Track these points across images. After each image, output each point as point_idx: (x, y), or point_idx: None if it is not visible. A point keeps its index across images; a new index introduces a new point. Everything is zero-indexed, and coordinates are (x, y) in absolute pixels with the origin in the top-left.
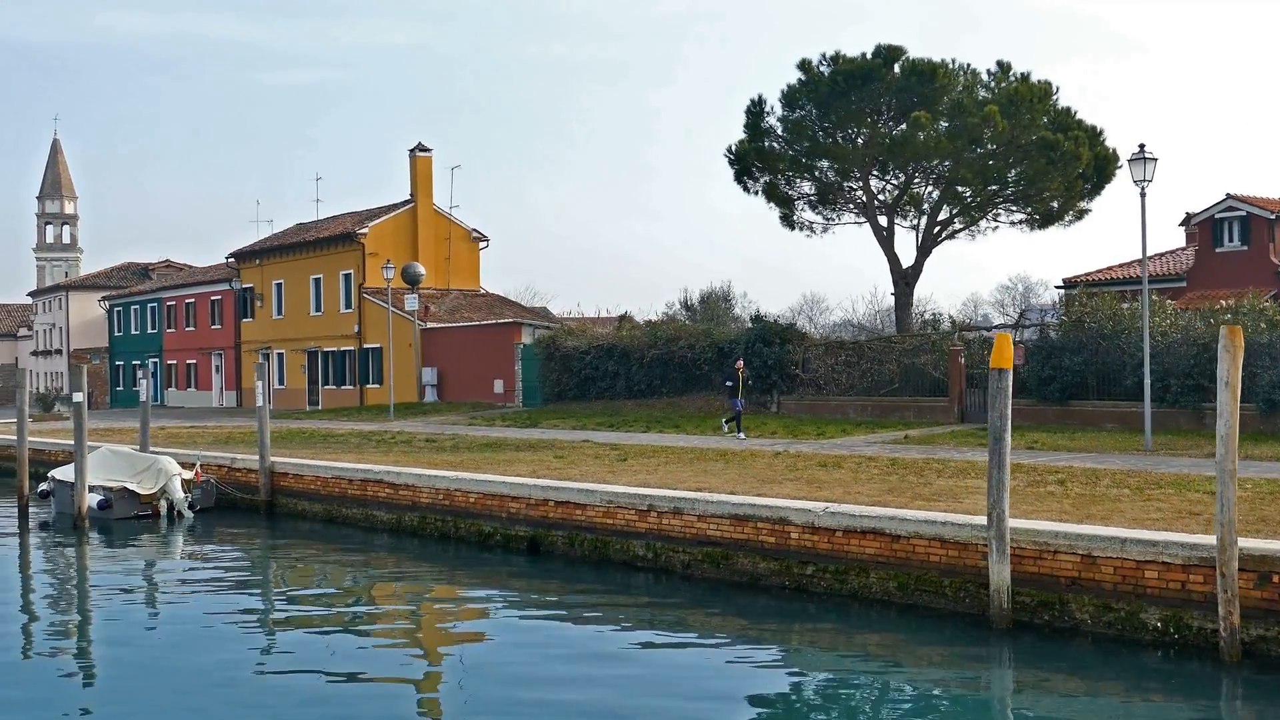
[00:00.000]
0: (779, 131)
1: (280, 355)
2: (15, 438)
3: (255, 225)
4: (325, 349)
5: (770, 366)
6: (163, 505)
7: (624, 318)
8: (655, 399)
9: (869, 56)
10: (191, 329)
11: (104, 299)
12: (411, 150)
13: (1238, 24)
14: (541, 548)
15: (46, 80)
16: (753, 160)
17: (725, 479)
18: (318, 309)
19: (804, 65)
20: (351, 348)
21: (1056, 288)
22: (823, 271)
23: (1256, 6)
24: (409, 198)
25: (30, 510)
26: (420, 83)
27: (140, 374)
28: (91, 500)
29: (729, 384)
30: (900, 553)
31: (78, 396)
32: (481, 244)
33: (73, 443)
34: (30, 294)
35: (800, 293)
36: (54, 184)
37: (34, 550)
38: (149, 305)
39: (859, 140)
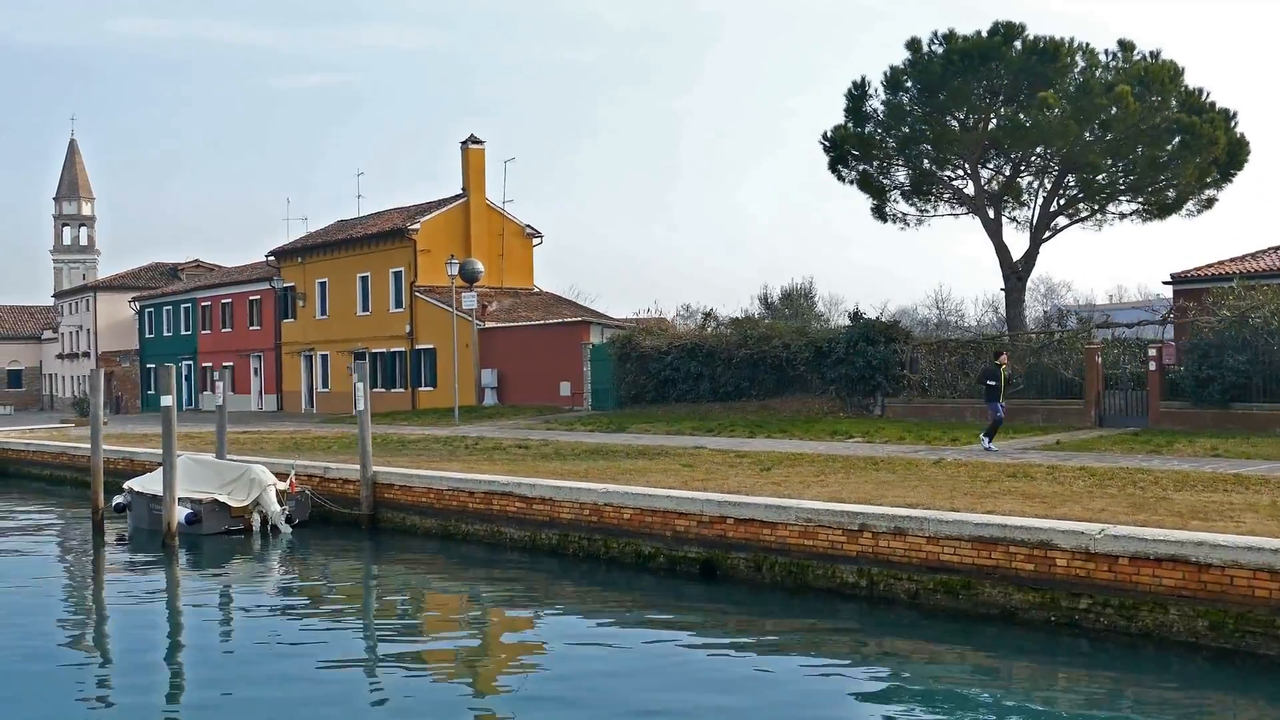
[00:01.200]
0: (880, 116)
1: (324, 357)
2: (89, 446)
3: (286, 223)
4: (374, 350)
5: (875, 367)
6: (255, 519)
7: (708, 315)
8: (744, 401)
9: (985, 35)
10: (228, 330)
11: (134, 300)
12: (463, 142)
13: None
14: (719, 572)
15: (62, 83)
16: (851, 146)
17: (920, 492)
18: (365, 308)
19: (912, 45)
20: (402, 349)
21: (1164, 283)
22: (889, 268)
23: None
24: (461, 191)
25: (105, 525)
26: (436, 84)
27: (216, 375)
28: (178, 514)
29: (989, 384)
30: (1212, 585)
31: (166, 400)
32: (535, 240)
33: (138, 450)
34: (55, 295)
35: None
36: (71, 185)
37: (115, 571)
38: (182, 306)
39: (969, 124)
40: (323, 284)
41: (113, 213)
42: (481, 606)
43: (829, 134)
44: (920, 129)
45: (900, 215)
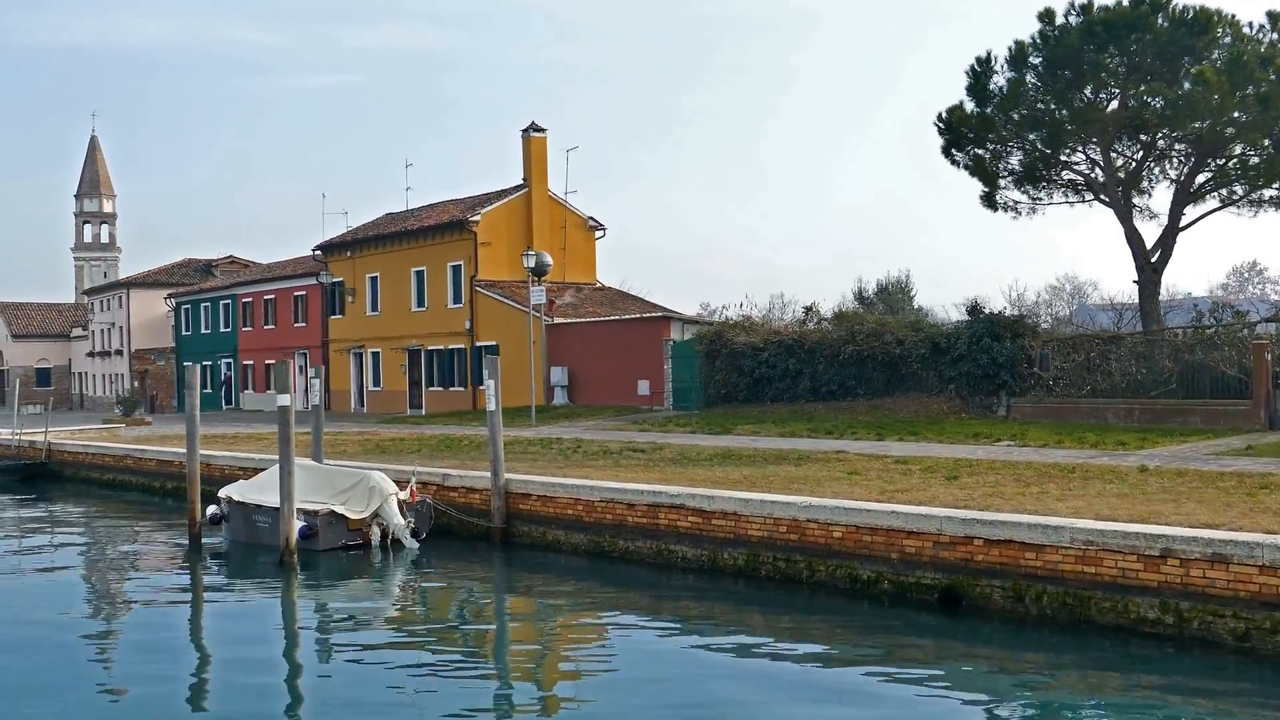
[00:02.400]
0: (1001, 95)
1: (375, 355)
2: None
3: (323, 218)
4: (430, 347)
5: (1000, 364)
6: (374, 533)
7: (809, 310)
8: (850, 401)
9: (1128, 4)
10: (271, 327)
11: (169, 296)
12: (524, 131)
13: None
14: (964, 601)
15: (83, 82)
16: (968, 128)
17: (1201, 509)
18: (420, 304)
19: (1045, 16)
20: (462, 346)
21: None
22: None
23: None
24: (522, 182)
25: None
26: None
27: (311, 371)
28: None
29: None
30: None
31: (284, 399)
32: (598, 233)
33: (216, 453)
34: (86, 292)
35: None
36: (92, 182)
37: (224, 594)
38: (221, 302)
39: (1102, 102)
40: (373, 279)
41: (134, 211)
42: (654, 637)
43: (944, 115)
44: (1046, 108)
45: (1012, 203)
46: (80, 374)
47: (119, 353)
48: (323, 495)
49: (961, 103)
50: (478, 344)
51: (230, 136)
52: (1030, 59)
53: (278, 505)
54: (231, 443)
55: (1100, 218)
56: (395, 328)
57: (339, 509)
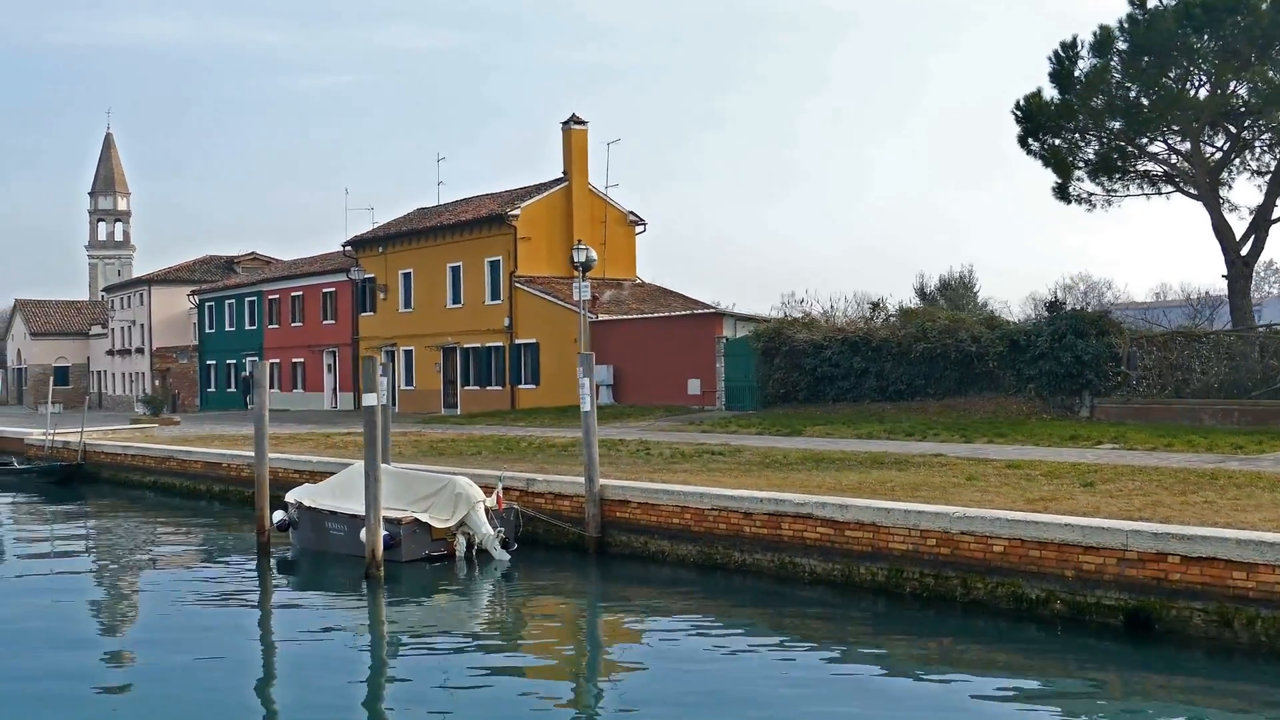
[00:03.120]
0: (1083, 82)
1: (408, 353)
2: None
3: (346, 214)
4: (466, 345)
5: (1084, 363)
6: (460, 543)
7: (876, 306)
8: (920, 401)
9: None
10: (298, 324)
11: (192, 293)
12: (565, 123)
13: None
14: (1156, 626)
15: (97, 81)
16: (1047, 117)
17: None
18: (456, 300)
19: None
20: (500, 343)
21: None
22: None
23: None
24: (561, 175)
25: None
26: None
27: (381, 367)
28: (368, 535)
29: None
30: None
31: (370, 399)
32: (639, 228)
33: (272, 455)
34: (106, 289)
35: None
36: (107, 180)
37: (296, 609)
38: (246, 299)
39: (1194, 89)
40: (407, 275)
41: (148, 210)
42: (777, 659)
43: (1022, 103)
44: (1129, 95)
45: (1086, 195)
46: (99, 372)
47: (140, 351)
48: (403, 502)
49: (1040, 90)
50: (516, 342)
51: (246, 135)
52: (1116, 44)
53: (355, 512)
54: (274, 444)
55: (1128, 216)
56: (429, 325)
57: (423, 517)
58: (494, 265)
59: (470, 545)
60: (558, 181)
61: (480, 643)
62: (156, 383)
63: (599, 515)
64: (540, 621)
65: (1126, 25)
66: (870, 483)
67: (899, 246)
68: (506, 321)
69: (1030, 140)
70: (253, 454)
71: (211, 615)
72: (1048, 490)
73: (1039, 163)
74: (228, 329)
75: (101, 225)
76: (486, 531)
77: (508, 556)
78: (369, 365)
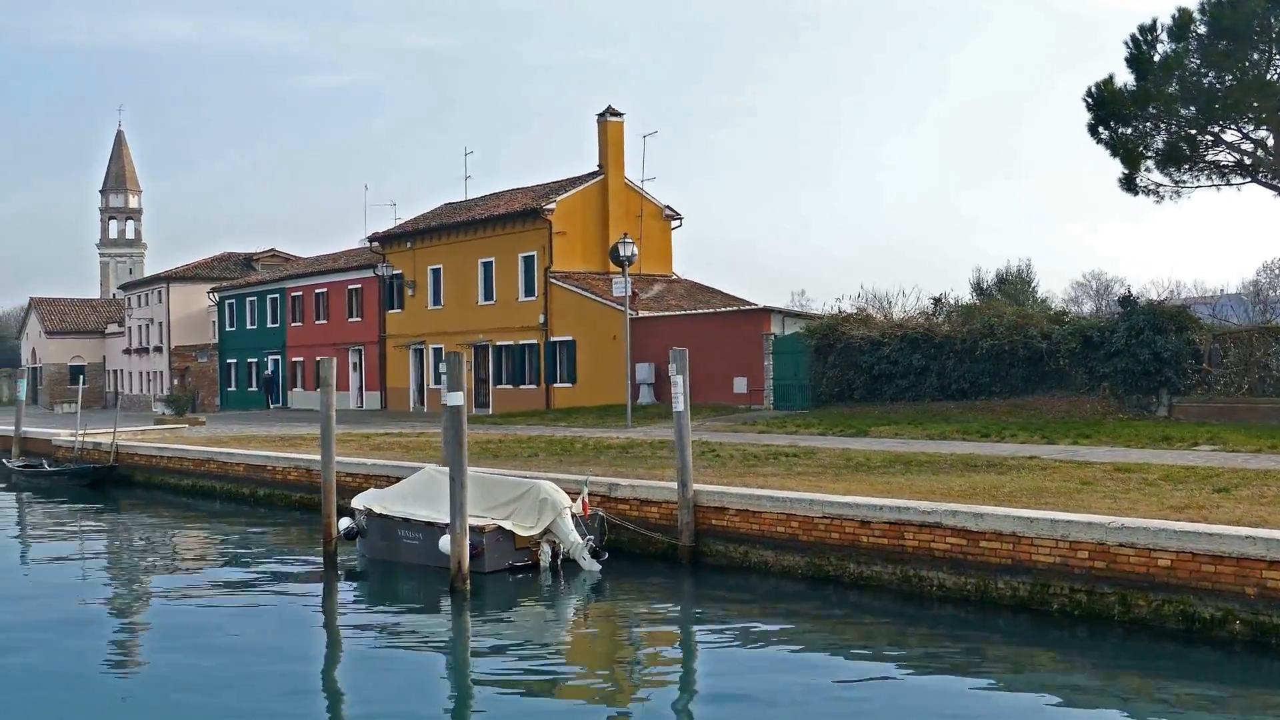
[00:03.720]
0: (1161, 66)
1: (437, 351)
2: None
3: (365, 211)
4: (499, 343)
5: (1163, 360)
6: (544, 552)
7: (938, 301)
8: (985, 400)
9: None
10: (322, 322)
11: (212, 290)
12: (600, 115)
13: None
14: None
15: (108, 80)
16: (1122, 103)
17: None
18: (488, 297)
19: None
20: (534, 341)
21: None
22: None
23: None
24: (597, 169)
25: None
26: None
27: (443, 366)
28: (447, 545)
29: None
30: None
31: (455, 398)
32: (674, 223)
33: (314, 457)
34: (122, 287)
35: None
36: (118, 177)
37: (372, 628)
38: (268, 296)
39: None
40: (436, 271)
41: (159, 209)
42: (906, 683)
43: (1094, 89)
44: (1205, 81)
45: (1154, 186)
46: (115, 371)
47: (158, 349)
48: (483, 508)
49: (1112, 76)
50: (552, 339)
51: (256, 134)
52: (1195, 27)
53: (431, 519)
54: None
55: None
56: (460, 322)
57: (506, 525)
58: (528, 260)
59: (555, 555)
60: (593, 175)
61: (576, 664)
62: (175, 382)
63: (693, 523)
64: (637, 639)
65: (1207, 8)
66: (980, 487)
67: (908, 244)
68: (541, 318)
69: (1100, 129)
70: (301, 456)
71: (282, 635)
72: (1180, 497)
73: (1106, 152)
74: (249, 327)
75: (113, 223)
76: (575, 540)
77: (598, 567)
78: (454, 361)
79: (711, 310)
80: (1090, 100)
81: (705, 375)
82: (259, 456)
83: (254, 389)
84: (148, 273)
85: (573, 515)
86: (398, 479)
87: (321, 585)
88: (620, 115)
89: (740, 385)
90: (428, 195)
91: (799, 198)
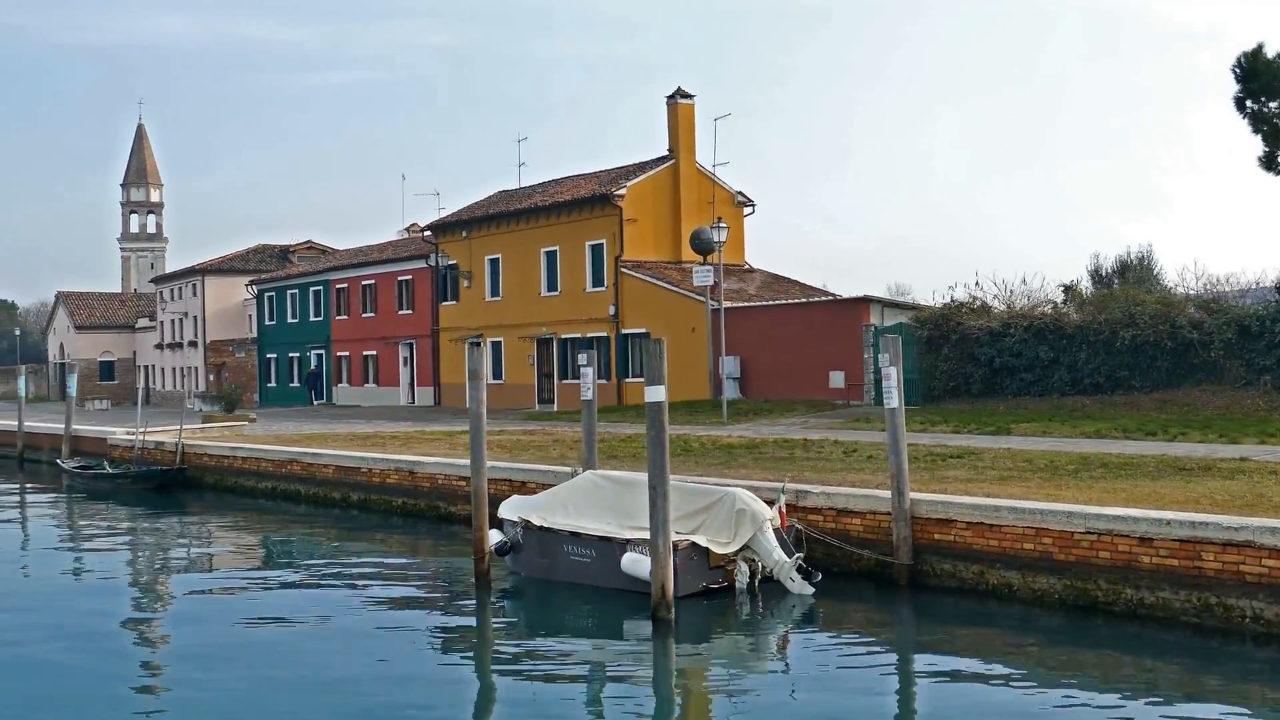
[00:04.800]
0: None
1: (496, 344)
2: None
3: (402, 202)
4: (564, 336)
5: None
6: (741, 571)
7: (1069, 289)
8: (1124, 395)
9: None
10: (370, 315)
11: (251, 283)
12: (669, 97)
13: None
14: None
15: (129, 76)
16: (1275, 75)
17: None
18: (552, 288)
19: None
20: (604, 333)
21: None
22: None
23: None
24: (667, 153)
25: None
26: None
27: (583, 359)
28: (632, 564)
29: None
30: None
31: (656, 393)
32: (746, 210)
33: (401, 456)
34: (154, 280)
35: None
36: (139, 171)
37: (562, 665)
38: (311, 288)
39: None
40: (494, 261)
41: (179, 206)
42: None
43: (1243, 59)
44: None
45: None
46: (147, 367)
47: (192, 344)
48: (636, 517)
49: (1261, 46)
50: (623, 331)
51: (280, 130)
52: None
53: (608, 534)
54: (398, 445)
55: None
56: (521, 314)
57: (701, 540)
58: (596, 249)
59: (753, 575)
60: (663, 159)
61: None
62: (211, 378)
63: (910, 537)
64: (871, 683)
65: None
66: (1228, 495)
67: (926, 237)
68: (611, 309)
69: (1247, 102)
70: (403, 457)
71: (447, 671)
72: None
73: (1249, 128)
74: (290, 320)
75: (134, 218)
76: (779, 558)
77: (811, 590)
78: (655, 351)
79: (803, 300)
80: (1238, 71)
81: (795, 369)
82: (352, 458)
83: (295, 384)
84: (170, 268)
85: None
86: (538, 486)
87: (474, 608)
88: (691, 97)
89: (836, 380)
90: (465, 186)
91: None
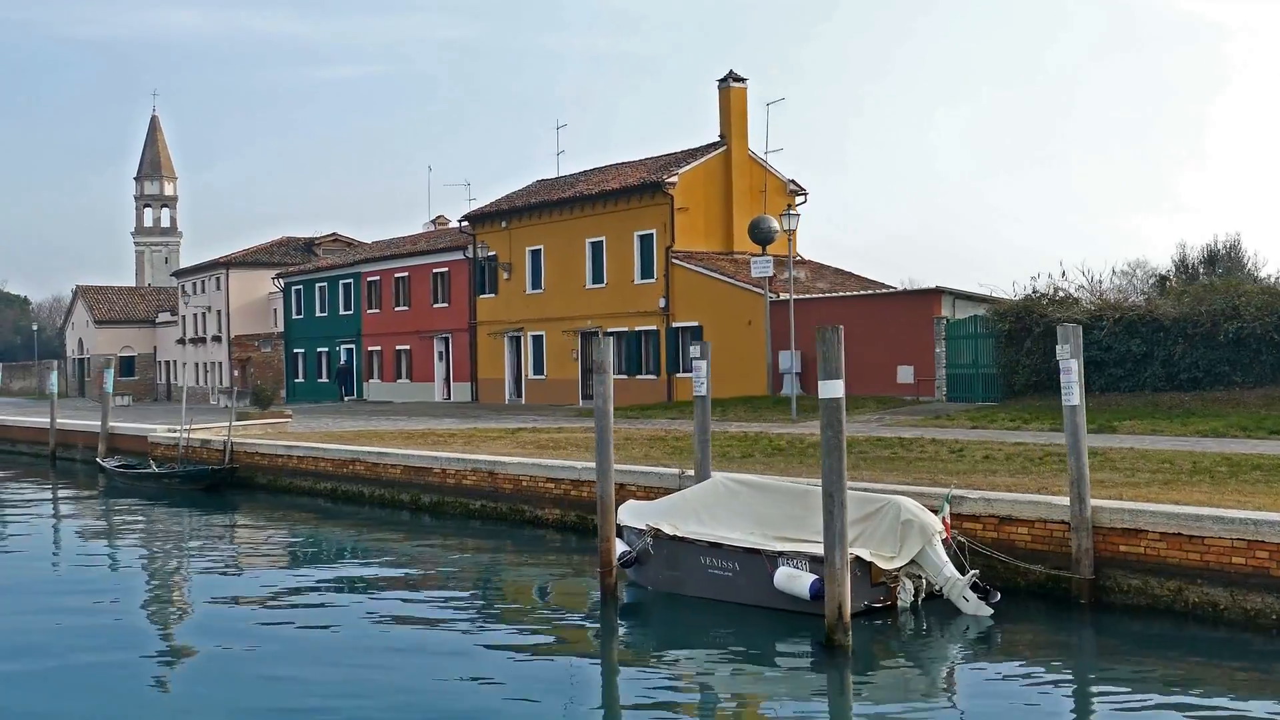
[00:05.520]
0: None
1: (537, 338)
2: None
3: (428, 193)
4: (610, 329)
5: None
6: (904, 589)
7: (1165, 280)
8: (1225, 390)
9: None
10: (403, 308)
11: (278, 276)
12: (721, 81)
13: None
14: None
15: (141, 68)
16: None
17: None
18: (597, 279)
19: None
20: (653, 327)
21: None
22: None
23: None
24: (718, 139)
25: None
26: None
27: (697, 350)
28: (788, 580)
29: None
30: None
31: (833, 388)
32: (799, 199)
33: (477, 455)
34: (175, 274)
35: None
36: (153, 164)
37: (730, 699)
38: (341, 281)
39: None
40: (535, 252)
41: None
42: None
43: None
44: None
45: None
46: (168, 362)
47: (216, 339)
48: (777, 526)
49: None
50: (674, 325)
51: (292, 125)
52: None
53: (756, 546)
54: (467, 441)
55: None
56: (564, 307)
57: (863, 553)
58: (645, 239)
59: (918, 592)
60: (713, 146)
61: None
62: (235, 373)
63: (1092, 549)
64: (1058, 712)
65: None
66: None
67: (930, 233)
68: (662, 302)
69: None
70: (481, 457)
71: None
72: None
73: None
74: (318, 314)
75: (148, 211)
76: (950, 574)
77: (989, 611)
78: (832, 340)
79: (870, 292)
80: None
81: (859, 364)
82: (423, 457)
83: (324, 380)
84: (184, 262)
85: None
86: (640, 489)
87: (601, 627)
88: (743, 81)
89: (905, 375)
90: (488, 179)
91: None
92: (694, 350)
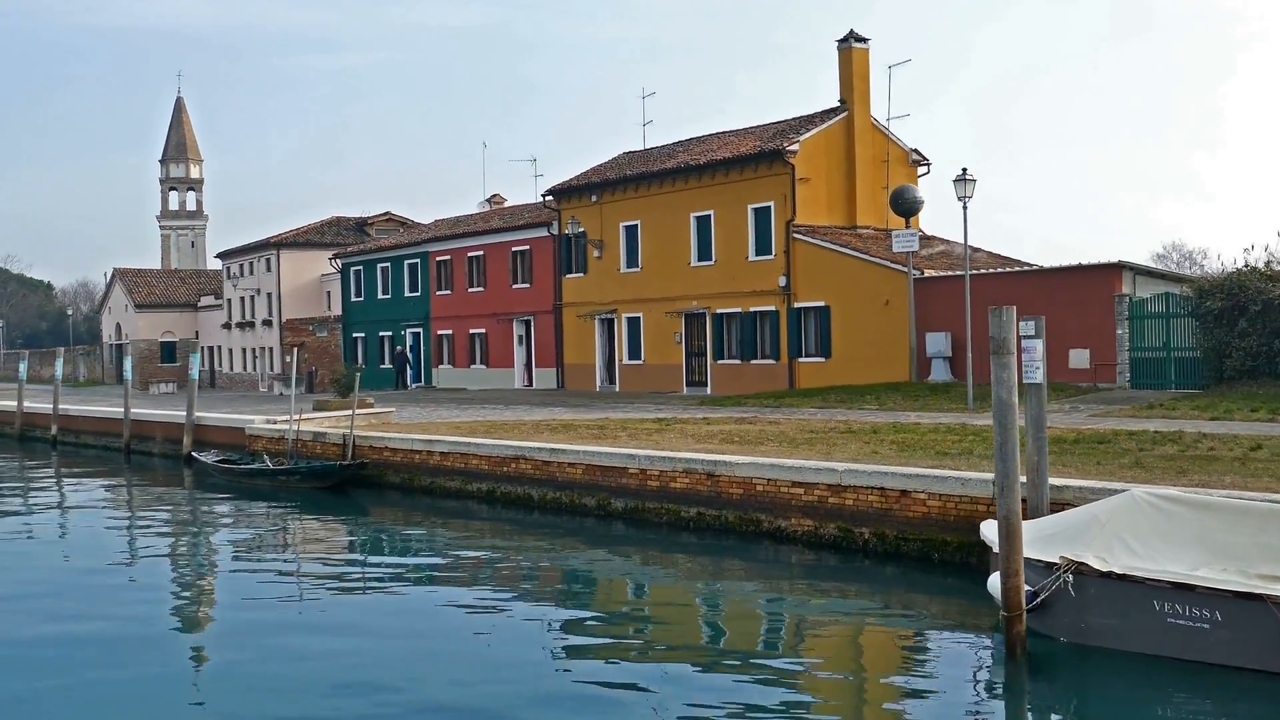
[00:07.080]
0: None
1: (633, 321)
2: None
3: (483, 170)
4: (719, 310)
5: None
6: None
7: None
8: None
9: None
10: (478, 289)
11: (335, 256)
12: (841, 42)
13: None
14: None
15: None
16: None
17: None
18: (704, 257)
19: None
20: (772, 307)
21: None
22: None
23: None
24: (839, 104)
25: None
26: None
27: (1029, 326)
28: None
29: None
30: None
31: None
32: (921, 169)
33: (693, 455)
34: (220, 255)
35: None
36: (178, 146)
37: None
38: (406, 262)
39: None
40: (630, 228)
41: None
42: None
43: None
44: None
45: None
46: (212, 348)
47: (266, 323)
48: (1240, 558)
49: None
50: (796, 305)
51: (309, 110)
52: None
53: (1247, 590)
54: (601, 430)
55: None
56: (664, 287)
57: (1271, 590)
58: (761, 213)
59: None
60: (833, 111)
61: None
62: (287, 358)
63: None
64: None
65: None
66: None
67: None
68: (782, 281)
69: None
70: (697, 456)
71: None
72: None
73: None
74: (380, 296)
75: (173, 194)
76: None
77: None
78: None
79: (1036, 267)
80: None
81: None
82: (615, 455)
83: (386, 365)
84: (210, 247)
85: None
86: (942, 501)
87: (1008, 699)
88: (865, 41)
89: (1078, 359)
90: (565, 154)
91: None
92: (1027, 326)
